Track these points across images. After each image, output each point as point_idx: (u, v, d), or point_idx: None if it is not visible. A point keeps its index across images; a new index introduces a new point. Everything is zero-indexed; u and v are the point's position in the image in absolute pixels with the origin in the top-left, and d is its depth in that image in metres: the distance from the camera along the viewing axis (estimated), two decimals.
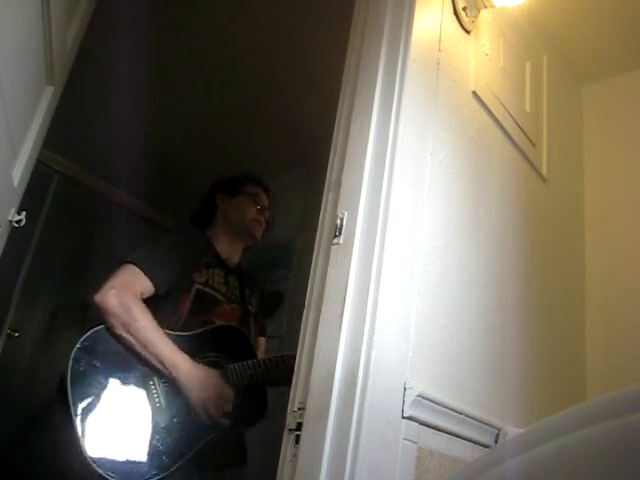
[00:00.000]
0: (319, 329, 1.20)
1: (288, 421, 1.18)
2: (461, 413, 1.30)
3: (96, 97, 2.84)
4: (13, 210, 1.41)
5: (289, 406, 1.20)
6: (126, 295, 1.56)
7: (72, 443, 1.42)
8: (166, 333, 1.61)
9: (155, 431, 1.52)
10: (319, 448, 1.08)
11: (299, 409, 1.17)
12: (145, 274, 1.61)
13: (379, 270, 1.19)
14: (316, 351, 1.18)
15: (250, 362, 1.68)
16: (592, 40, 2.14)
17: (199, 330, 1.68)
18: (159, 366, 1.54)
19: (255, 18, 2.32)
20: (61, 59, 1.49)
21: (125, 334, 1.53)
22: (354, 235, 1.24)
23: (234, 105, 2.85)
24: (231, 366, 1.67)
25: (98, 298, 1.56)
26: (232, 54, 2.53)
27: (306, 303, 1.29)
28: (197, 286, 1.72)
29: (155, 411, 1.54)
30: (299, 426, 1.14)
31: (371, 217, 1.24)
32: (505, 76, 1.82)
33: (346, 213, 1.27)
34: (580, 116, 2.31)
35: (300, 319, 1.30)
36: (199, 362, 1.62)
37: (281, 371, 1.67)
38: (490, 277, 1.58)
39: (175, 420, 1.55)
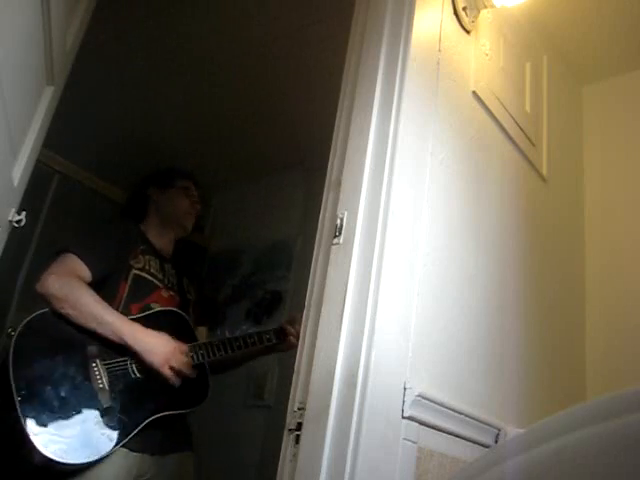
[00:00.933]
0: (319, 329, 1.20)
1: (288, 421, 1.18)
2: (461, 413, 1.31)
3: (96, 97, 2.83)
4: (13, 210, 1.40)
5: (289, 406, 1.20)
6: (66, 277, 1.62)
7: (13, 423, 1.44)
8: None
9: (97, 412, 1.55)
10: (319, 448, 1.08)
11: (299, 409, 1.17)
12: (82, 260, 1.67)
13: (379, 270, 1.19)
14: (316, 351, 1.18)
15: (192, 344, 1.74)
16: (592, 40, 2.14)
17: (141, 314, 1.73)
18: (114, 337, 1.59)
19: (254, 18, 2.32)
20: (61, 59, 1.49)
21: (74, 313, 1.58)
22: (354, 235, 1.24)
23: (234, 105, 2.85)
24: None
25: (40, 287, 1.62)
26: (231, 54, 2.53)
27: (306, 303, 1.29)
28: (134, 271, 1.78)
29: (98, 392, 1.57)
30: (299, 426, 1.14)
31: (371, 217, 1.24)
32: (505, 76, 1.82)
33: (346, 213, 1.27)
34: (580, 116, 2.30)
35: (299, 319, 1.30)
36: None
37: (222, 353, 1.75)
38: (490, 277, 1.58)
39: (117, 401, 1.59)
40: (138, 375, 1.64)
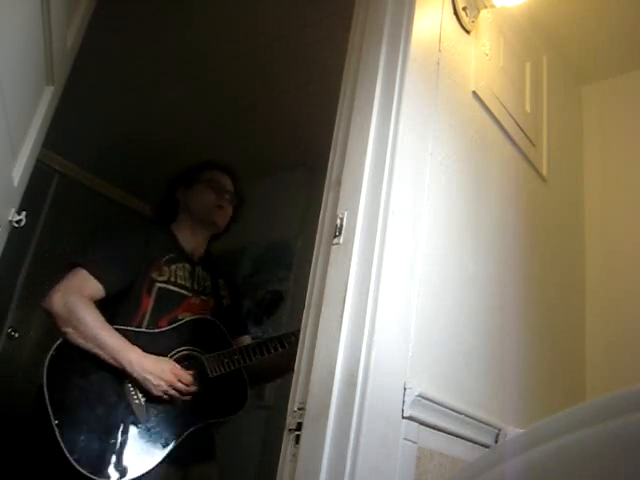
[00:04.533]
0: (319, 329, 1.20)
1: (288, 421, 1.18)
2: (461, 413, 1.30)
3: (96, 97, 2.84)
4: (13, 210, 1.40)
5: (289, 406, 1.20)
6: (71, 296, 1.55)
7: (53, 448, 1.42)
8: (135, 331, 1.62)
9: (135, 429, 1.53)
10: (319, 448, 1.08)
11: (299, 409, 1.17)
12: (94, 277, 1.60)
13: (379, 270, 1.19)
14: (316, 351, 1.18)
15: (225, 351, 1.69)
16: (592, 40, 2.14)
17: (168, 327, 1.68)
18: (112, 361, 1.52)
19: (255, 17, 2.32)
20: (61, 59, 1.49)
21: (76, 334, 1.52)
22: (354, 235, 1.24)
23: (234, 105, 2.85)
24: (206, 356, 1.68)
25: (44, 304, 1.56)
26: (232, 54, 2.53)
27: (306, 303, 1.29)
28: (159, 285, 1.70)
29: (135, 409, 1.54)
30: (299, 426, 1.14)
31: (371, 217, 1.24)
32: (505, 76, 1.82)
33: (346, 213, 1.27)
34: (580, 116, 2.30)
35: (300, 319, 1.30)
36: (172, 358, 1.64)
37: (259, 356, 1.67)
38: (490, 277, 1.58)
39: (155, 416, 1.56)
40: None
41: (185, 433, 1.57)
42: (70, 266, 1.64)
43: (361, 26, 1.49)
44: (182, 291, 1.76)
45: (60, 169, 3.41)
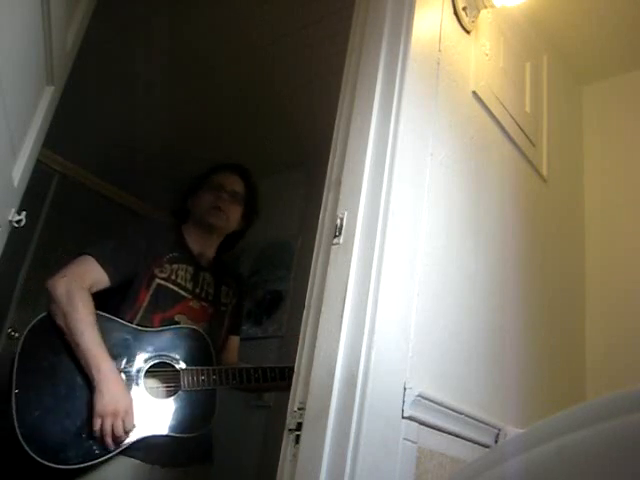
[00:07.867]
0: (319, 329, 1.20)
1: (288, 421, 1.18)
2: (461, 413, 1.31)
3: (96, 97, 2.84)
4: (13, 210, 1.40)
5: (289, 406, 1.20)
6: (74, 284, 1.55)
7: (8, 416, 1.41)
8: (122, 323, 1.61)
9: (90, 417, 1.48)
10: (319, 448, 1.08)
11: (299, 409, 1.17)
12: (100, 265, 1.61)
13: (379, 270, 1.19)
14: (316, 351, 1.18)
15: (205, 368, 1.66)
16: (592, 40, 2.14)
17: (161, 329, 1.66)
18: (83, 362, 1.50)
19: (255, 18, 2.32)
20: (61, 59, 1.49)
21: (62, 323, 1.52)
22: (354, 235, 1.24)
23: (234, 105, 2.85)
24: (184, 368, 1.64)
25: (49, 283, 1.56)
26: (232, 54, 2.53)
27: (306, 303, 1.29)
28: (158, 281, 1.70)
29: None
30: (299, 426, 1.14)
31: (371, 217, 1.24)
32: (505, 76, 1.82)
33: (346, 213, 1.27)
34: (580, 116, 2.31)
35: (300, 319, 1.30)
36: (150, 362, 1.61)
37: (236, 383, 1.68)
38: (490, 277, 1.58)
39: None
40: (142, 386, 1.57)
41: (138, 438, 1.51)
42: (78, 254, 1.65)
43: (361, 26, 1.49)
44: (181, 292, 1.74)
45: (60, 169, 3.40)
